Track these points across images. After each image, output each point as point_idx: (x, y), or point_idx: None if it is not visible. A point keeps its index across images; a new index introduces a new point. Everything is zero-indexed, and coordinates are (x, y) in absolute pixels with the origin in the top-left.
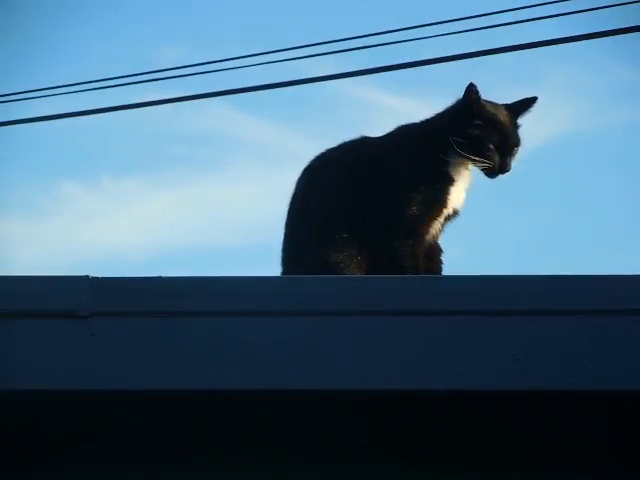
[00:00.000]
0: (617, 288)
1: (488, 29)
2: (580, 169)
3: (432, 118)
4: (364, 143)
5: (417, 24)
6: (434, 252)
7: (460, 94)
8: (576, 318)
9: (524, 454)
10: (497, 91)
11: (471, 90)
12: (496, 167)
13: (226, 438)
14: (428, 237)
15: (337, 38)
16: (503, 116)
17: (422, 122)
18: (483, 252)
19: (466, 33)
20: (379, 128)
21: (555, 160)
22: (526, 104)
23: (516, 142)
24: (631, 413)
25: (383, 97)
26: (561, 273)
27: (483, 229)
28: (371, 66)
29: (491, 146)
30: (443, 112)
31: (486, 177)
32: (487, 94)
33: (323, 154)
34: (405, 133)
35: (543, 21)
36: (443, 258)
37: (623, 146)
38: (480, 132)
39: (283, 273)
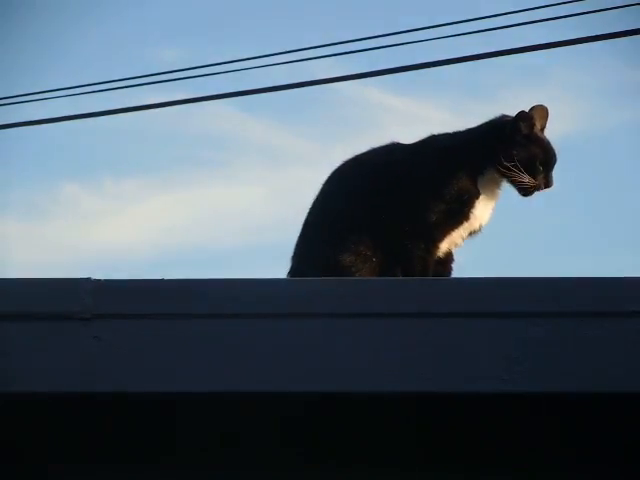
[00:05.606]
0: (617, 290)
1: (491, 31)
2: (584, 170)
3: (467, 131)
4: (394, 148)
5: (420, 26)
6: (447, 259)
7: (464, 94)
8: (576, 320)
9: (524, 455)
10: (500, 91)
11: (524, 117)
12: (542, 184)
13: (227, 439)
14: (445, 246)
15: (338, 40)
16: (543, 134)
17: (455, 133)
18: (484, 253)
19: (469, 35)
20: (381, 128)
21: (559, 160)
22: (544, 116)
23: (556, 158)
24: (631, 414)
25: (385, 97)
26: (562, 275)
27: (485, 230)
28: (372, 67)
29: (538, 165)
30: (480, 128)
31: (521, 195)
32: (489, 94)
33: (353, 157)
34: (437, 142)
35: (546, 22)
36: (453, 265)
37: (628, 146)
38: (528, 152)
39: (292, 268)
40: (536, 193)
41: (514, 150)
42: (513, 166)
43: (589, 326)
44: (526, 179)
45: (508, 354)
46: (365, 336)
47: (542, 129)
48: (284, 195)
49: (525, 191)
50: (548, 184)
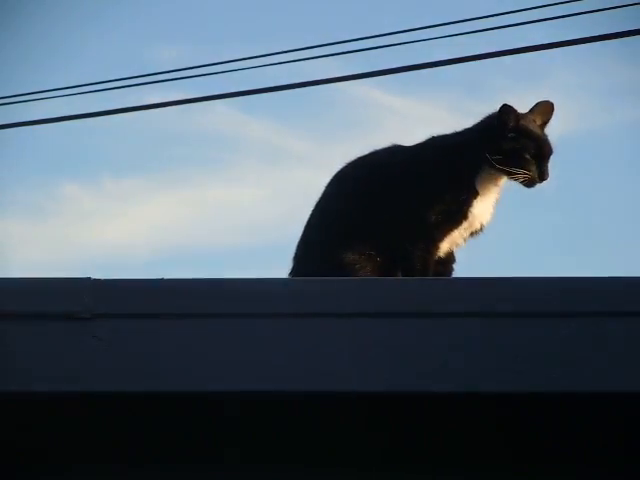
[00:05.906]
0: (617, 290)
1: (491, 31)
2: (583, 170)
3: (464, 131)
4: (394, 150)
5: (421, 25)
6: (448, 259)
7: (464, 94)
8: (576, 320)
9: (524, 455)
10: (500, 91)
11: (507, 110)
12: (535, 176)
13: (227, 439)
14: (446, 246)
15: (338, 40)
16: (535, 126)
17: (453, 134)
18: (485, 253)
19: (469, 35)
20: (381, 128)
21: (558, 160)
22: (548, 111)
23: (551, 150)
24: (631, 414)
25: (385, 97)
26: (563, 275)
27: (486, 230)
28: (372, 66)
29: (528, 157)
30: (475, 127)
31: (525, 188)
32: (489, 94)
33: (355, 159)
34: (436, 143)
35: (546, 22)
36: (454, 266)
37: (627, 146)
38: (516, 145)
39: (293, 268)
40: (537, 185)
41: (502, 144)
42: (501, 160)
43: (589, 326)
44: (519, 172)
45: (508, 354)
46: (365, 336)
47: (544, 124)
48: (284, 195)
49: (523, 184)
50: (542, 176)
